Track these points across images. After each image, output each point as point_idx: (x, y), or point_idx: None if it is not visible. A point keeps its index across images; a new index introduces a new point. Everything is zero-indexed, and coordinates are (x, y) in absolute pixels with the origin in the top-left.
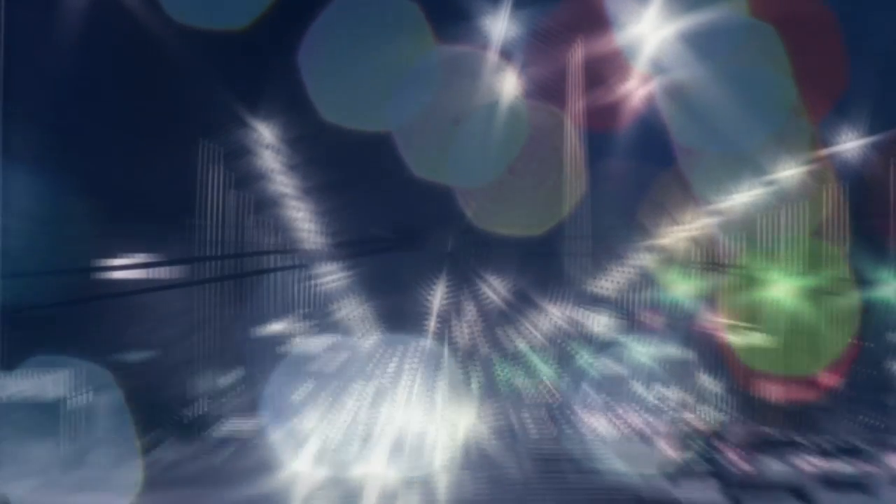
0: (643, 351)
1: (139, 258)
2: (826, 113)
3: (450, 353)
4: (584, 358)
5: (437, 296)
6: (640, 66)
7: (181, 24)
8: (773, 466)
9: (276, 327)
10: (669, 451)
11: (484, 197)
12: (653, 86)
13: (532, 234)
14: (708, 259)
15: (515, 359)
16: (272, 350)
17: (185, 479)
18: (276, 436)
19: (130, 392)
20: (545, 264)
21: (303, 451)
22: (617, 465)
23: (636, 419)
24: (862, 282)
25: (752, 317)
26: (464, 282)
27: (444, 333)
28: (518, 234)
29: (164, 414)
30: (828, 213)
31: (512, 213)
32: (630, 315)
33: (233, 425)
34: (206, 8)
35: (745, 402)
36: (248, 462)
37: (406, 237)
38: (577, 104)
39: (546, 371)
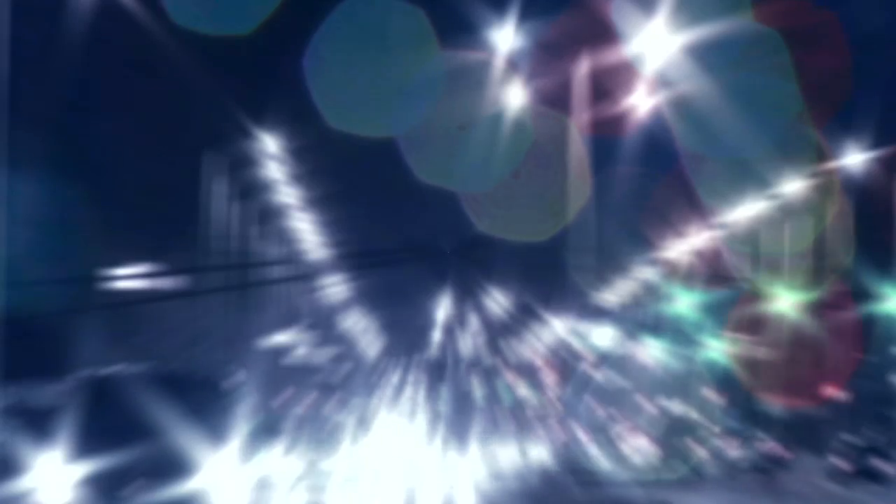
0: (647, 362)
1: (143, 268)
2: (831, 124)
3: (453, 363)
4: (587, 370)
5: (441, 307)
6: (645, 76)
7: (186, 34)
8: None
9: (280, 338)
10: (672, 462)
11: (489, 203)
12: (658, 96)
13: (537, 240)
14: (712, 272)
15: (519, 370)
16: (276, 361)
17: None
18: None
19: None
20: (549, 276)
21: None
22: (619, 475)
23: (639, 431)
24: (866, 295)
25: (756, 329)
26: (467, 293)
27: (447, 344)
28: (523, 239)
29: None
30: (832, 226)
31: (517, 220)
32: (634, 326)
33: None
34: (211, 16)
35: (749, 414)
36: None
37: (412, 250)
38: (582, 114)
39: (549, 383)
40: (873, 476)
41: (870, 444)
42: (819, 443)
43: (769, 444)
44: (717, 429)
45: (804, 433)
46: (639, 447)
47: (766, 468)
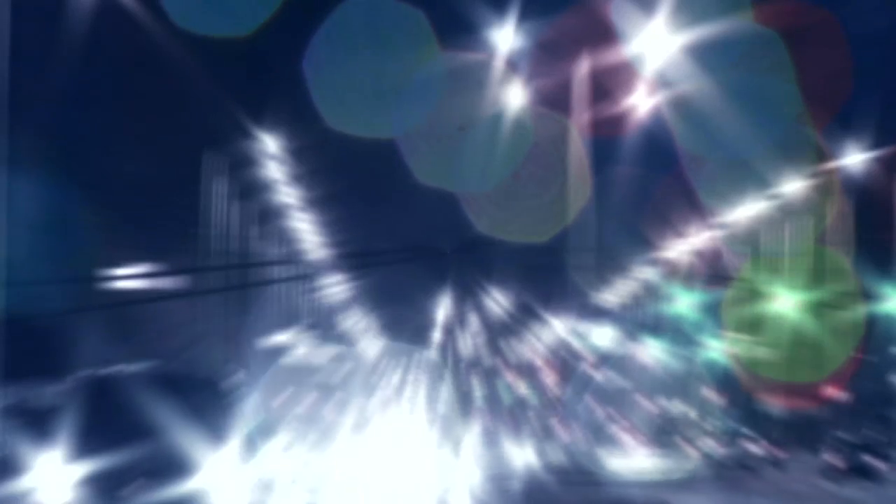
0: (647, 362)
1: (143, 268)
2: (831, 124)
3: (453, 363)
4: (587, 370)
5: (441, 307)
6: (645, 76)
7: (186, 34)
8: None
9: (280, 338)
10: (671, 461)
11: (489, 204)
12: (658, 96)
13: (536, 241)
14: (712, 272)
15: (519, 370)
16: (276, 361)
17: None
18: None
19: None
20: (549, 276)
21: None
22: (619, 475)
23: (638, 430)
24: (866, 295)
25: (756, 329)
26: (467, 293)
27: (447, 344)
28: (523, 240)
29: None
30: (832, 226)
31: (517, 221)
32: (634, 326)
33: None
34: (211, 17)
35: (748, 414)
36: None
37: (412, 250)
38: (582, 114)
39: (549, 383)
40: (865, 473)
41: (863, 442)
42: (818, 442)
43: (761, 444)
44: (714, 428)
45: (803, 433)
46: (637, 447)
47: (755, 467)
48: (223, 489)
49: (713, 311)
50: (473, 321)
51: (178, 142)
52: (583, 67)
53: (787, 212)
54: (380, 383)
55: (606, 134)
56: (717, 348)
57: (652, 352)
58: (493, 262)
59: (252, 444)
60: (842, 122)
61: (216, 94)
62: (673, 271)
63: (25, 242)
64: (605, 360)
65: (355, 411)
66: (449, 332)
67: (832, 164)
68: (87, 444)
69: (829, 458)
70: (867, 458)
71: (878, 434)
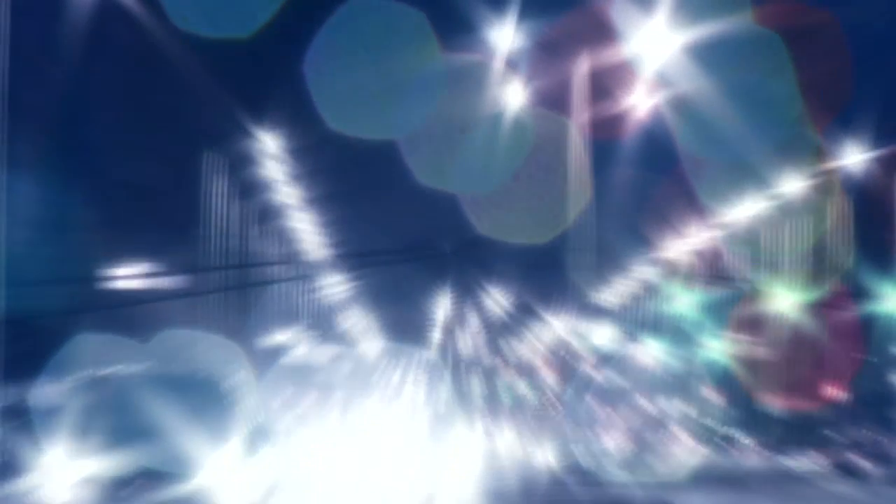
0: (647, 362)
1: (143, 268)
2: (831, 125)
3: (453, 363)
4: (588, 370)
5: (441, 307)
6: (645, 77)
7: (186, 34)
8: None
9: (280, 338)
10: (671, 461)
11: (489, 204)
12: (658, 97)
13: (537, 241)
14: (712, 272)
15: (519, 370)
16: (275, 361)
17: None
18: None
19: None
20: (549, 276)
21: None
22: (619, 476)
23: (638, 430)
24: (866, 295)
25: (756, 329)
26: (467, 293)
27: (447, 344)
28: (523, 241)
29: None
30: (832, 226)
31: (517, 221)
32: (634, 326)
33: None
34: (211, 17)
35: (748, 414)
36: None
37: (412, 250)
38: (582, 114)
39: (549, 383)
40: (861, 473)
41: (860, 442)
42: (817, 442)
43: (761, 444)
44: (714, 428)
45: (803, 433)
46: (636, 447)
47: (755, 467)
48: (223, 489)
49: (713, 311)
50: (473, 321)
51: (178, 141)
52: (583, 67)
53: (787, 212)
54: (379, 383)
55: (606, 134)
56: (717, 348)
57: (652, 352)
58: (493, 262)
59: (252, 443)
60: (842, 122)
61: (216, 94)
62: (673, 271)
63: (25, 242)
64: (605, 360)
65: (355, 411)
66: (449, 331)
67: (832, 164)
68: (87, 444)
69: (826, 457)
70: (864, 458)
71: (877, 434)
